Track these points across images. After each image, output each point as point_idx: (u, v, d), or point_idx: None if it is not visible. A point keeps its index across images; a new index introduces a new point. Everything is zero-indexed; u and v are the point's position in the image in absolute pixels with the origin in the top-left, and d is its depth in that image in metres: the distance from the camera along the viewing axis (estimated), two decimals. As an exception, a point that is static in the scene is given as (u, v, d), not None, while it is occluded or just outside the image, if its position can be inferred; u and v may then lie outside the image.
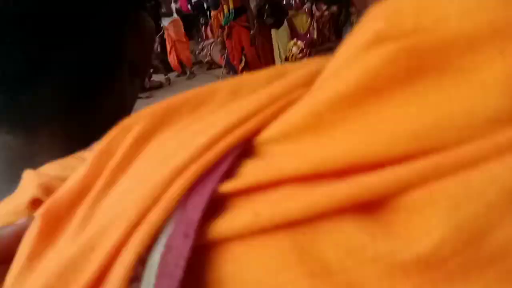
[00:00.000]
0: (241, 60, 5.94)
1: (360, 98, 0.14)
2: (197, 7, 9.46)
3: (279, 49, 5.89)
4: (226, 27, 6.13)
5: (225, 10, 5.94)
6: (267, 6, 5.66)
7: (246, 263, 0.14)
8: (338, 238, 0.13)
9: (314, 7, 5.50)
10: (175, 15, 7.62)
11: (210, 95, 0.22)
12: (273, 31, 5.83)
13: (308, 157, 0.15)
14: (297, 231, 0.14)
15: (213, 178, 0.16)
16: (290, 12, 6.13)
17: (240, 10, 5.49)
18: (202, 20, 9.49)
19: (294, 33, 6.23)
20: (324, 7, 5.29)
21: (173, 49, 7.72)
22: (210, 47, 8.06)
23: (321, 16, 5.33)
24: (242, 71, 6.21)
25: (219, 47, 7.81)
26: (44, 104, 0.41)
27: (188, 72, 7.91)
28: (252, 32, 5.53)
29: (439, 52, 0.13)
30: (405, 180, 0.13)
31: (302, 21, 6.06)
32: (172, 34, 7.58)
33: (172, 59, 7.94)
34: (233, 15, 5.77)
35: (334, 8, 5.24)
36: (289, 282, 0.13)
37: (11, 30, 0.37)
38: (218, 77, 7.46)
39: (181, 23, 7.80)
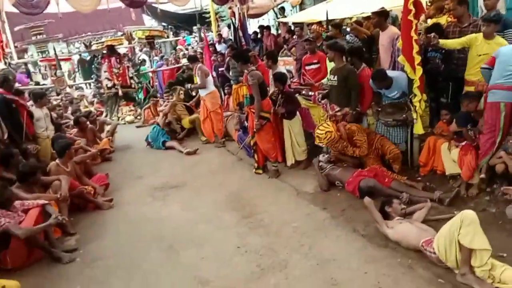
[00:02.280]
0: (253, 145, 5.86)
1: None
2: (223, 76, 9.69)
3: (291, 138, 5.80)
4: (246, 107, 6.12)
5: (244, 92, 5.98)
6: (280, 96, 5.64)
7: None
8: None
9: (328, 106, 5.43)
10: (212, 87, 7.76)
11: None
12: (285, 122, 5.77)
13: None
14: None
15: None
16: (308, 103, 6.12)
17: (253, 98, 5.49)
18: (226, 90, 9.65)
19: (309, 124, 6.17)
20: (337, 108, 5.21)
21: (208, 119, 7.79)
22: (227, 120, 8.09)
23: (334, 115, 5.24)
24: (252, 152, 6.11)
25: (235, 121, 7.83)
26: None
27: (219, 142, 7.78)
28: (256, 121, 5.49)
29: None
30: None
31: (318, 113, 6.01)
32: (209, 105, 7.66)
33: (206, 127, 7.93)
34: (247, 101, 5.77)
35: (346, 109, 5.15)
36: None
37: None
38: (229, 151, 7.39)
39: (217, 94, 7.89)
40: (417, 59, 4.62)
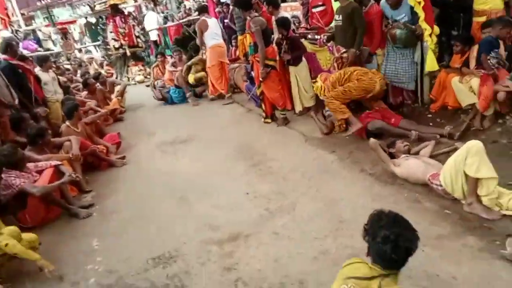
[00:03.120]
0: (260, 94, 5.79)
1: None
2: (229, 28, 9.43)
3: (298, 84, 5.68)
4: (251, 57, 6.02)
5: (248, 40, 5.83)
6: (284, 42, 5.46)
7: None
8: None
9: (333, 48, 5.25)
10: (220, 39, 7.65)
11: None
12: (291, 68, 5.63)
13: None
14: None
15: None
16: (314, 47, 5.93)
17: (257, 46, 5.35)
18: (233, 42, 9.42)
19: (317, 69, 6.03)
20: (343, 49, 5.03)
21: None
22: (234, 72, 7.98)
23: (340, 57, 5.08)
24: (259, 102, 6.06)
25: (242, 72, 7.72)
26: None
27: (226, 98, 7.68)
28: (261, 69, 5.39)
29: None
30: None
31: (325, 57, 5.84)
32: (207, 60, 7.56)
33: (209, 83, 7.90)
34: (251, 50, 5.63)
35: (352, 50, 4.96)
36: None
37: None
38: (238, 103, 7.36)
39: (219, 49, 7.59)
40: (421, -11, 4.35)
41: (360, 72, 4.67)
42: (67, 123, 5.22)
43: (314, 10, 6.39)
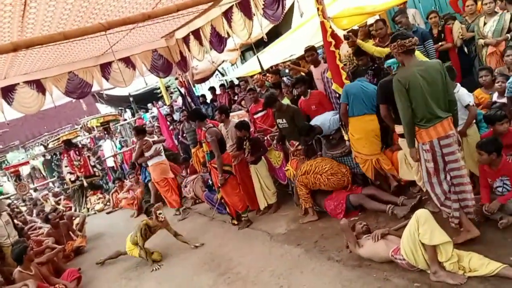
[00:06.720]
0: (221, 199, 5.85)
1: None
2: (184, 143, 9.75)
3: (259, 182, 5.83)
4: (208, 163, 6.15)
5: (204, 149, 6.01)
6: (247, 143, 5.69)
7: None
8: None
9: (287, 143, 5.57)
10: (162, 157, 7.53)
11: None
12: (252, 167, 5.84)
13: None
14: None
15: None
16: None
17: (213, 153, 5.56)
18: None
19: (270, 168, 6.24)
20: (296, 143, 5.36)
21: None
22: (193, 184, 8.06)
23: (296, 149, 5.38)
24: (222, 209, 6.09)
25: (200, 183, 7.82)
26: None
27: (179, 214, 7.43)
28: (220, 176, 5.55)
29: None
30: None
31: (274, 156, 6.11)
32: (154, 176, 7.47)
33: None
34: (208, 157, 5.81)
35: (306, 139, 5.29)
36: None
37: None
38: (199, 213, 7.31)
39: (162, 165, 7.47)
40: (347, 84, 4.88)
41: (331, 171, 4.88)
42: (19, 268, 4.91)
43: (255, 116, 6.83)
